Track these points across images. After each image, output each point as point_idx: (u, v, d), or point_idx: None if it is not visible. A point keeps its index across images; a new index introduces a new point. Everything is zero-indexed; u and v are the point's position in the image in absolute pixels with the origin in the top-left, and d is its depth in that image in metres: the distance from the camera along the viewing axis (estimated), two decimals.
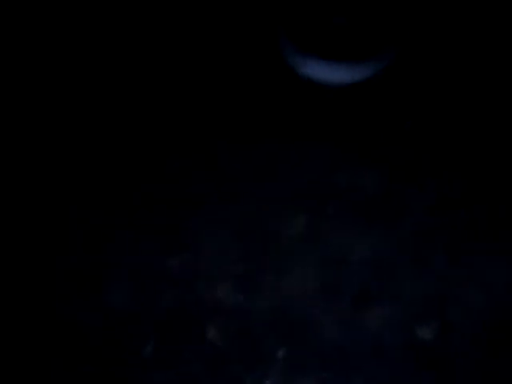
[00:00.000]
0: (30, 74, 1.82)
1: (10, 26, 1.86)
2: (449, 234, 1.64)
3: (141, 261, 1.55)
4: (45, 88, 1.80)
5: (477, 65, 1.93)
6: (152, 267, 1.55)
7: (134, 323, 1.48)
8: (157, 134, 1.77)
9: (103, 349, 1.43)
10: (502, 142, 1.82)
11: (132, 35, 1.88)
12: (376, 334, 1.48)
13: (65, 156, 1.71)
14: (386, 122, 1.87)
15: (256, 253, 1.59)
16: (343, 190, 1.71)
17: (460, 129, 1.86)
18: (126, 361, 1.43)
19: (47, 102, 1.78)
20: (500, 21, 1.95)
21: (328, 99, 1.89)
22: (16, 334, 1.45)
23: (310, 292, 1.53)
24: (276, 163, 1.75)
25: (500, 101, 1.88)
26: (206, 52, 1.90)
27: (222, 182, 1.71)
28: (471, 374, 1.45)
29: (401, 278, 1.56)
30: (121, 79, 1.83)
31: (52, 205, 1.63)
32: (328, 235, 1.62)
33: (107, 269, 1.53)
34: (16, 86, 1.80)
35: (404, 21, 1.89)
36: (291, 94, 1.88)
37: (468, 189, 1.74)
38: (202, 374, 1.42)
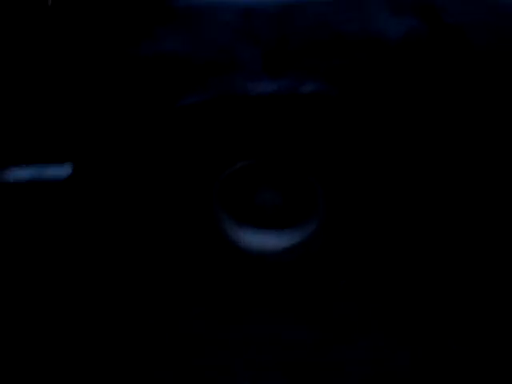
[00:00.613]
0: None
1: None
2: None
3: None
4: None
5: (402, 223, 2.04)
6: None
7: None
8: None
9: None
10: (433, 296, 1.90)
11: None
12: None
13: None
14: (320, 282, 1.93)
15: None
16: (281, 354, 1.75)
17: (394, 287, 1.93)
18: None
19: None
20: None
21: (265, 264, 1.99)
22: None
23: None
24: (215, 333, 1.83)
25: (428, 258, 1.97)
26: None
27: (172, 350, 1.78)
28: None
29: None
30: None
31: None
32: None
33: None
34: None
35: (325, 191, 2.07)
36: (231, 263, 2.00)
37: (405, 339, 1.79)
38: None
